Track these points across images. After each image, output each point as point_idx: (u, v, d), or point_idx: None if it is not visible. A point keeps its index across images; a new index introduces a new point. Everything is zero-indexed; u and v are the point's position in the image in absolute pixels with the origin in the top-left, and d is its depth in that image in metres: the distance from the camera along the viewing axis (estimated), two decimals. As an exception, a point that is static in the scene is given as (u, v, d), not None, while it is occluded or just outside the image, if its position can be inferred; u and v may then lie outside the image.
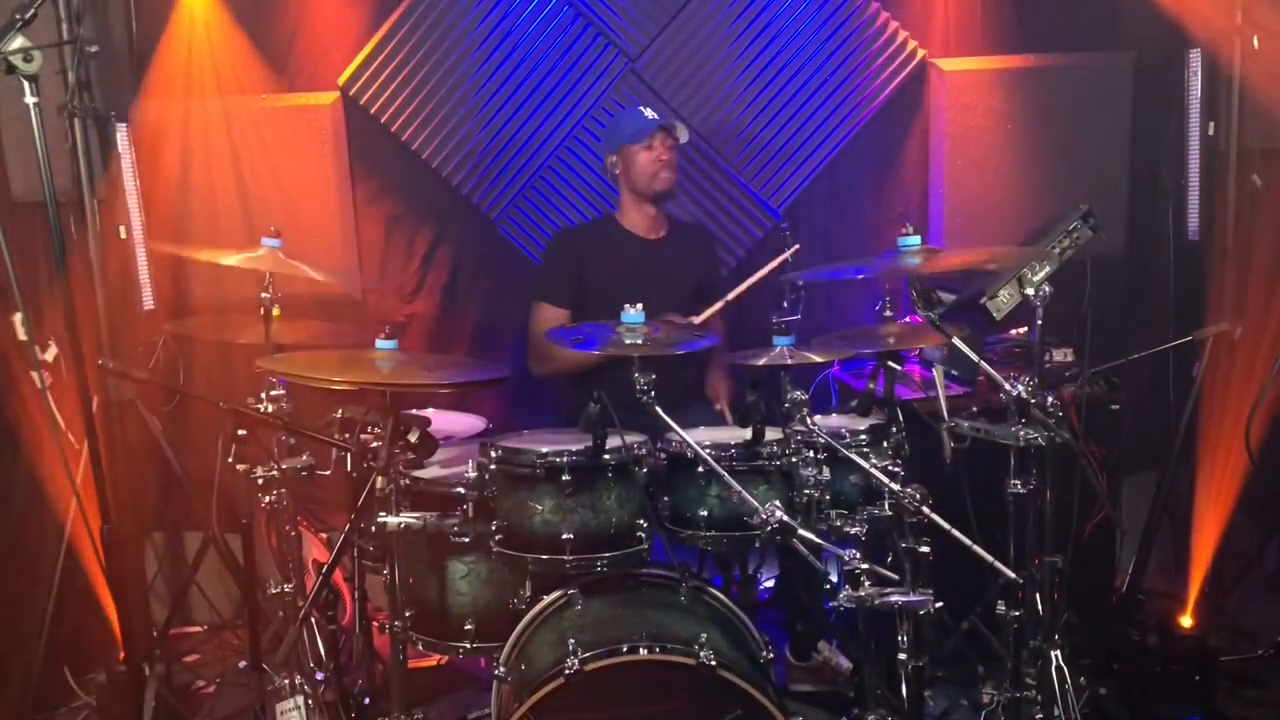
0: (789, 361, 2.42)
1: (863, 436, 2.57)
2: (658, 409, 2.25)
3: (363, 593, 2.64)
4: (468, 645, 2.54)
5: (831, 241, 4.03)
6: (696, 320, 3.20)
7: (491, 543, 2.45)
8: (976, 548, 2.18)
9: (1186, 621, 3.11)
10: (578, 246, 3.47)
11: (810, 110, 3.96)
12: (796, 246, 3.15)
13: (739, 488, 2.24)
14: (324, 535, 3.31)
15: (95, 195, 3.21)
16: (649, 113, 3.40)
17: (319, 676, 2.69)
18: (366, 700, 2.72)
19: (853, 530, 2.30)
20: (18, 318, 3.01)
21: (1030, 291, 2.42)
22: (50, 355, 3.09)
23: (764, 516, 2.14)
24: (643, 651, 2.19)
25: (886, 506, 2.30)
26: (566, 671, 2.14)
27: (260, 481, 2.55)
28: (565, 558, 2.39)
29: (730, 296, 3.21)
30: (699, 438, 2.45)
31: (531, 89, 3.85)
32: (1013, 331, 3.33)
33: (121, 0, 3.46)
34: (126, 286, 3.49)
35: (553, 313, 3.35)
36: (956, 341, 2.36)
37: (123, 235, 3.45)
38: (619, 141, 3.41)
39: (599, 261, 3.39)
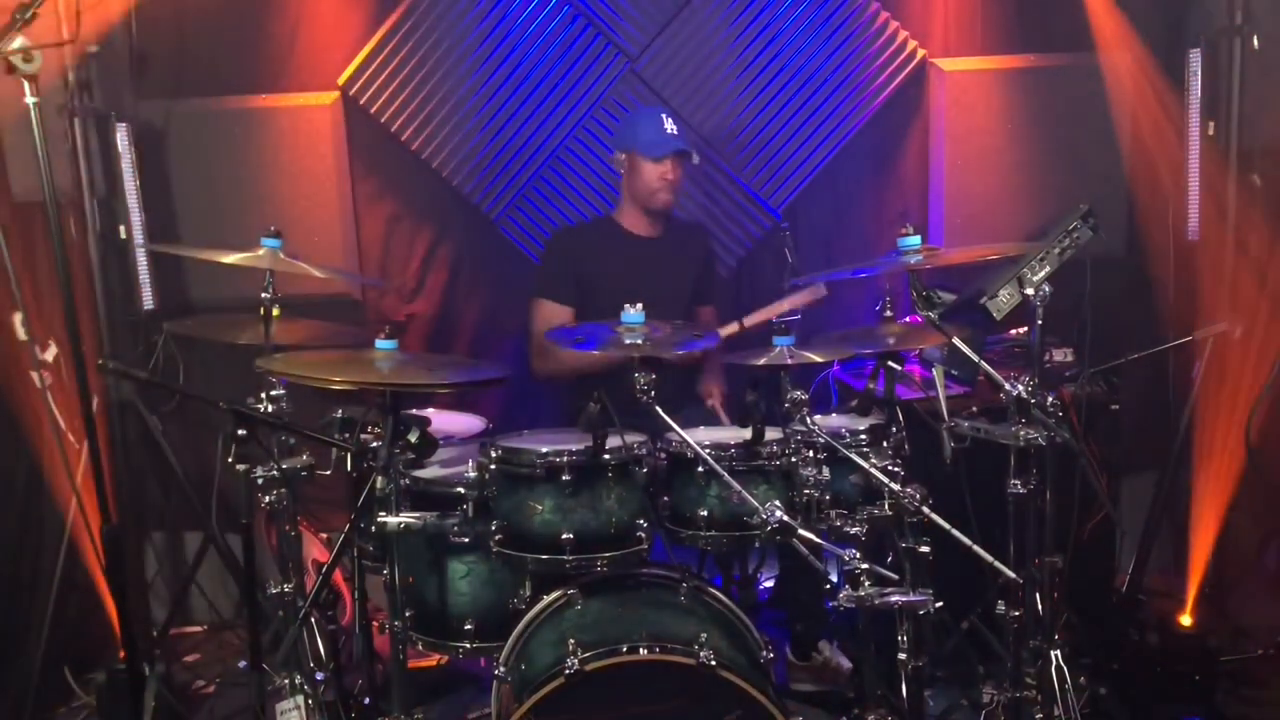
0: (789, 361, 2.42)
1: (863, 436, 2.57)
2: (658, 409, 2.25)
3: (363, 593, 2.63)
4: (468, 645, 2.54)
5: (831, 241, 4.03)
6: (723, 333, 3.24)
7: (491, 543, 2.45)
8: (976, 548, 2.18)
9: (1186, 620, 3.11)
10: (576, 244, 3.46)
11: (810, 110, 3.95)
12: (823, 291, 3.32)
13: (739, 488, 2.24)
14: (324, 535, 3.31)
15: (95, 195, 3.22)
16: (669, 125, 3.31)
17: (319, 676, 2.68)
18: (366, 700, 2.72)
19: (853, 530, 2.30)
20: (18, 318, 3.02)
21: (1030, 291, 2.42)
22: (50, 355, 3.09)
23: (764, 516, 2.14)
24: (643, 651, 2.19)
25: (886, 506, 2.30)
26: (566, 671, 2.14)
27: (260, 481, 2.54)
28: (565, 558, 2.39)
29: (749, 323, 3.26)
30: (699, 438, 2.45)
31: (531, 89, 3.84)
32: (1013, 331, 3.33)
33: (121, 0, 3.46)
34: (126, 286, 3.50)
35: (554, 309, 3.34)
36: (956, 341, 2.36)
37: (123, 235, 3.45)
38: (631, 144, 3.36)
39: (597, 260, 3.38)
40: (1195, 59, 3.51)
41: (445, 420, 3.11)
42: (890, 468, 2.28)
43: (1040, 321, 2.42)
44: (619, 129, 3.56)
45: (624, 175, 3.42)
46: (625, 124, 3.51)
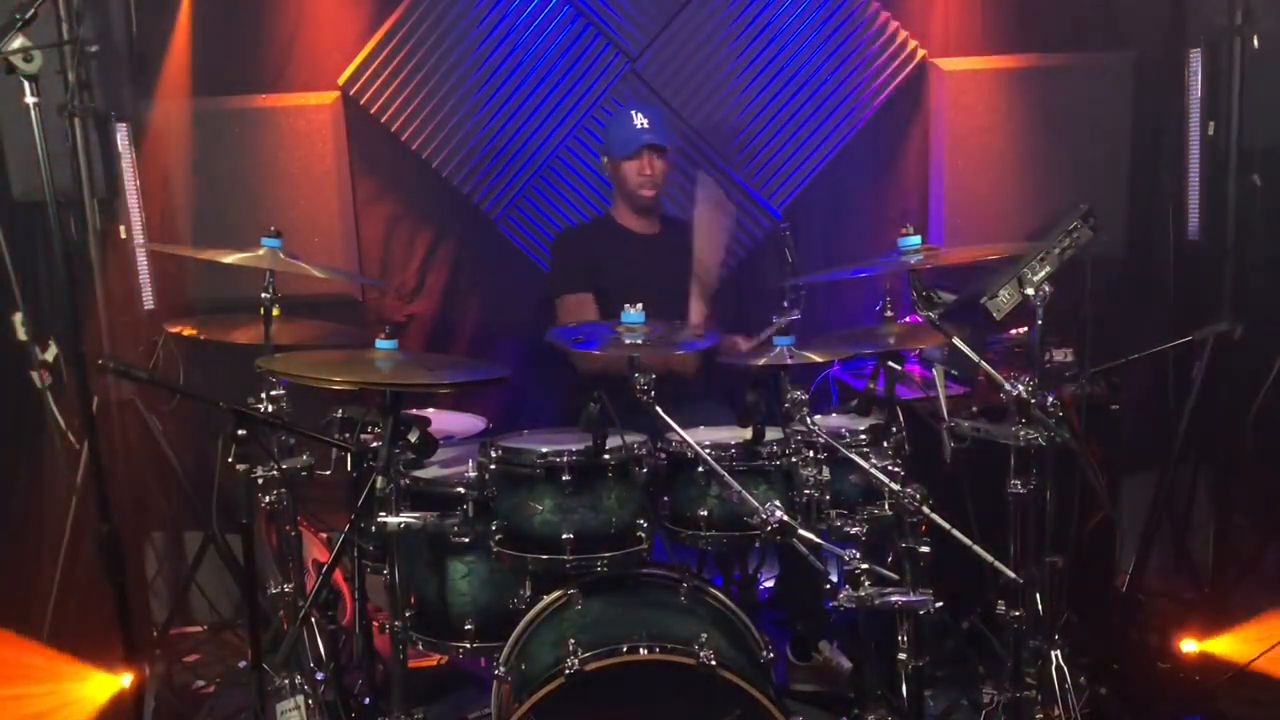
0: (789, 361, 2.42)
1: (863, 436, 2.57)
2: (658, 409, 2.24)
3: (363, 593, 2.64)
4: (468, 645, 2.54)
5: (831, 241, 4.03)
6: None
7: (491, 543, 2.45)
8: (976, 548, 2.18)
9: (1189, 646, 3.06)
10: (581, 242, 3.49)
11: (810, 110, 3.95)
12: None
13: (739, 488, 2.24)
14: (324, 535, 3.31)
15: (95, 195, 3.22)
16: (639, 120, 3.33)
17: (319, 676, 2.69)
18: (366, 700, 2.72)
19: (853, 530, 2.30)
20: (18, 318, 3.02)
21: (1030, 291, 2.42)
22: (50, 355, 3.09)
23: (764, 516, 2.14)
24: (643, 651, 2.19)
25: (886, 506, 2.30)
26: (566, 671, 2.14)
27: (260, 481, 2.54)
28: (565, 558, 2.39)
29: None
30: (699, 438, 2.45)
31: (531, 89, 3.85)
32: (1013, 331, 3.33)
33: (121, 0, 3.46)
34: (126, 286, 3.49)
35: (578, 299, 3.32)
36: (956, 341, 2.36)
37: (123, 235, 3.45)
38: (608, 149, 3.42)
39: (599, 259, 3.39)
40: (1195, 59, 3.51)
41: (445, 420, 3.11)
42: (890, 468, 2.28)
43: (1040, 321, 2.42)
44: (602, 135, 3.58)
45: (610, 177, 3.46)
46: (605, 131, 3.55)
